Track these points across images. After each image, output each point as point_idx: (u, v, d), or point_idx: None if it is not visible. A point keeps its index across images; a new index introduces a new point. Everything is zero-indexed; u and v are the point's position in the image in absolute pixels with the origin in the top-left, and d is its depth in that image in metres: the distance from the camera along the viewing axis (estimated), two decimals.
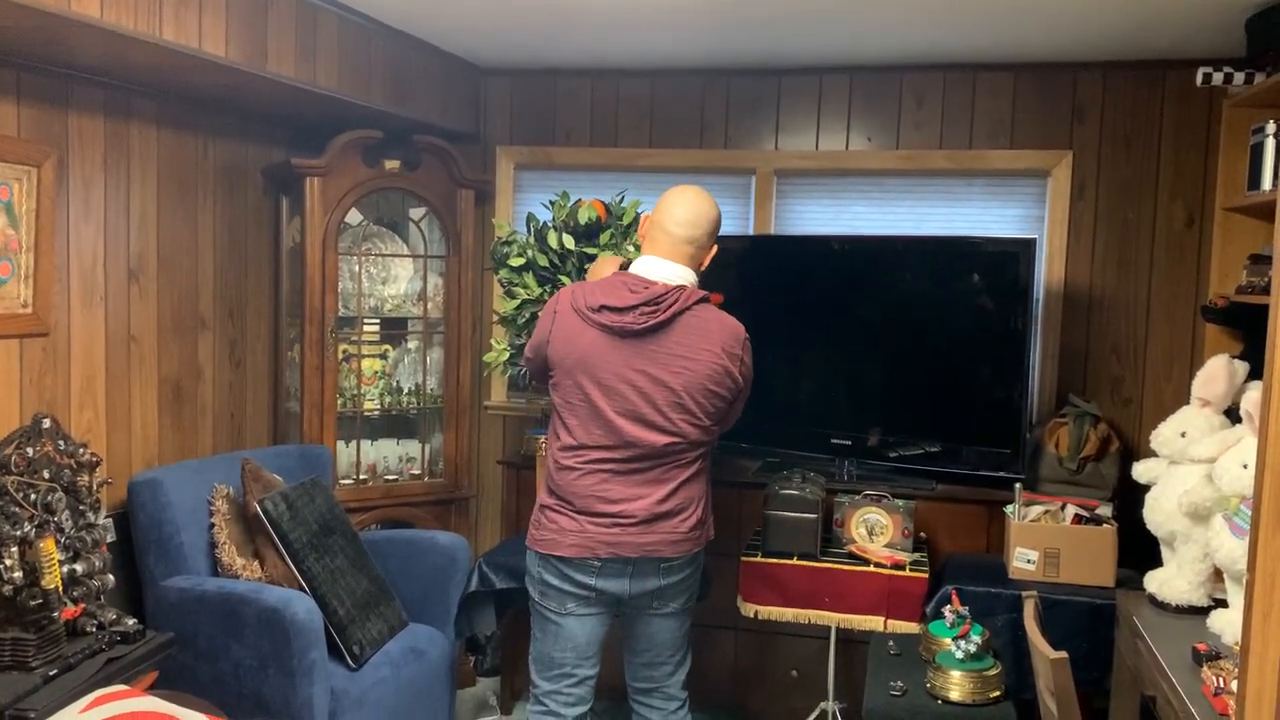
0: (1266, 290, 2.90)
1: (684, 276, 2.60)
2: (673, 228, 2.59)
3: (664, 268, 2.59)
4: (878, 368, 3.71)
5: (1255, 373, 2.79)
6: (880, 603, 3.15)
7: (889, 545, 3.30)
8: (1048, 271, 3.78)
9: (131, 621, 2.75)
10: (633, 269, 2.63)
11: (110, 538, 2.95)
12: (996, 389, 3.46)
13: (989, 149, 3.83)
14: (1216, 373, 2.70)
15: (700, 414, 2.60)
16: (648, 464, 2.59)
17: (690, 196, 2.63)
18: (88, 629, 2.69)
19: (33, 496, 2.53)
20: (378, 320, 4.04)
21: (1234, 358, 2.83)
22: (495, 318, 3.62)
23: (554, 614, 2.68)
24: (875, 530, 3.32)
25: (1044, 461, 3.49)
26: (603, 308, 2.55)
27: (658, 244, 2.61)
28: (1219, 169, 3.38)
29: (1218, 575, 2.62)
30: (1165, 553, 2.77)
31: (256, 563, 3.14)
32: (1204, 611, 2.59)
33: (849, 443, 3.69)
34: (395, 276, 4.06)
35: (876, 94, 3.92)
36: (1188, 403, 2.86)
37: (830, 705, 3.38)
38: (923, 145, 3.89)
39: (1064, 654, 1.98)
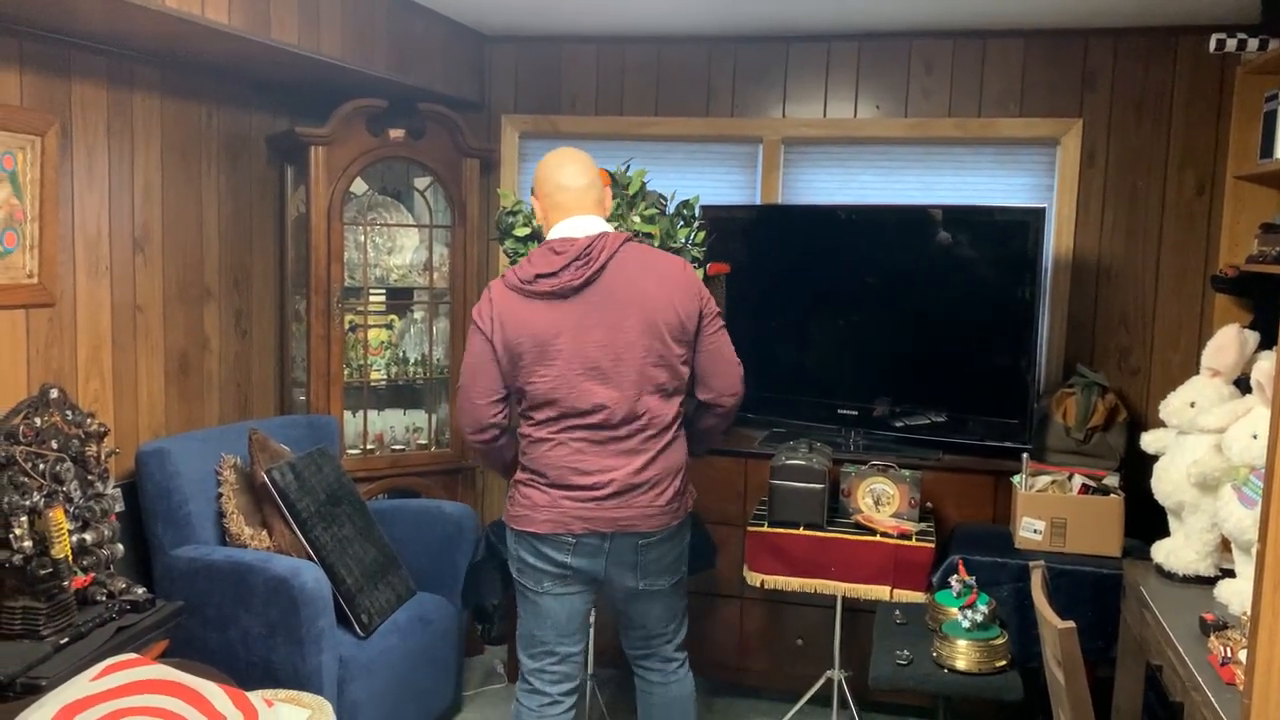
0: (1277, 260, 2.88)
1: (601, 225, 2.58)
2: (568, 182, 2.56)
3: (578, 223, 2.55)
4: (885, 338, 3.69)
5: (1266, 343, 2.78)
6: (886, 572, 3.16)
7: (895, 515, 3.30)
8: (1056, 241, 3.76)
9: (141, 590, 2.76)
10: (553, 234, 2.58)
11: (119, 507, 2.96)
12: (1004, 359, 3.45)
13: (998, 117, 3.80)
14: (1227, 343, 2.68)
15: (670, 355, 2.51)
16: (623, 431, 2.51)
17: (565, 152, 2.64)
18: (98, 598, 2.71)
19: (41, 467, 2.53)
20: (384, 290, 4.04)
21: (1244, 328, 2.81)
22: None
23: (532, 591, 2.63)
24: (882, 500, 3.32)
25: (1051, 431, 3.48)
26: (536, 276, 2.50)
27: (561, 207, 2.57)
28: (1230, 137, 3.36)
29: (1225, 545, 2.61)
30: (1173, 523, 2.77)
31: (264, 532, 3.15)
32: (1211, 582, 2.60)
33: (855, 413, 3.69)
34: (401, 246, 4.05)
35: (885, 61, 3.89)
36: (1197, 373, 2.84)
37: (836, 674, 3.40)
38: (931, 113, 3.86)
39: (1071, 624, 1.99)
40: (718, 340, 2.62)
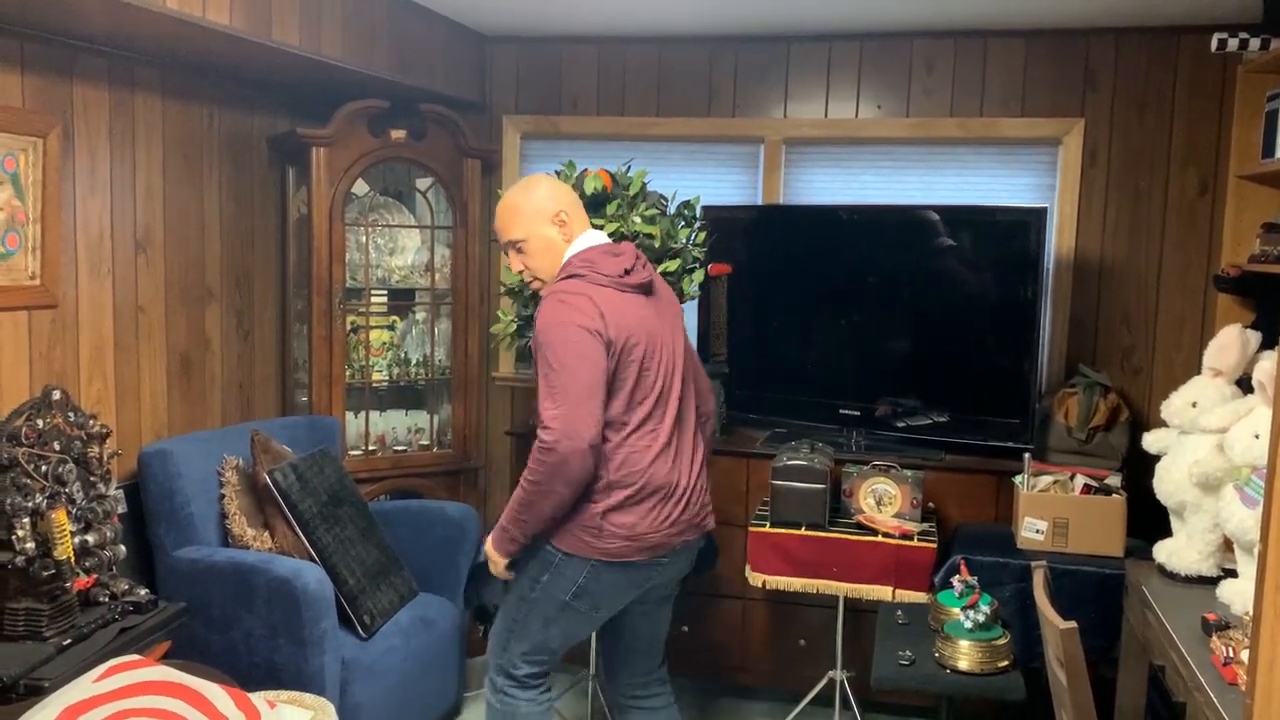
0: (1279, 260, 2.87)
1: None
2: (577, 205, 2.64)
3: (598, 234, 2.63)
4: (887, 338, 3.69)
5: (1268, 342, 2.77)
6: (888, 572, 3.16)
7: (897, 515, 3.30)
8: (1058, 240, 3.76)
9: (144, 592, 2.76)
10: (586, 244, 2.57)
11: (121, 509, 2.96)
12: (1006, 359, 3.45)
13: (1000, 116, 3.79)
14: (1229, 342, 2.68)
15: (687, 360, 2.67)
16: (685, 427, 2.58)
17: (545, 176, 2.72)
18: (100, 599, 2.71)
19: (44, 468, 2.53)
20: (385, 291, 4.04)
21: (1246, 328, 2.81)
22: (502, 289, 3.61)
23: (583, 615, 2.55)
24: (884, 500, 3.32)
25: (1053, 432, 3.48)
26: (625, 270, 2.51)
27: (584, 220, 2.63)
28: (1233, 136, 3.35)
29: (1227, 545, 2.61)
30: (1175, 523, 2.77)
31: (267, 533, 3.16)
32: (1213, 582, 2.59)
33: (857, 413, 3.69)
34: (402, 247, 4.05)
35: (887, 61, 3.89)
36: (1199, 373, 2.84)
37: (838, 674, 3.40)
38: (933, 113, 3.86)
39: (1074, 624, 1.99)
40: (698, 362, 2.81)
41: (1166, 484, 2.72)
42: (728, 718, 3.74)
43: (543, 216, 2.56)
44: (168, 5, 2.54)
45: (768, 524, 3.31)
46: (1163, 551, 2.74)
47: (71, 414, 2.66)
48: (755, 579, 3.33)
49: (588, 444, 2.32)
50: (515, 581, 2.61)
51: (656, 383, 2.48)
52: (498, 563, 2.59)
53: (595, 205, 3.20)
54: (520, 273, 2.63)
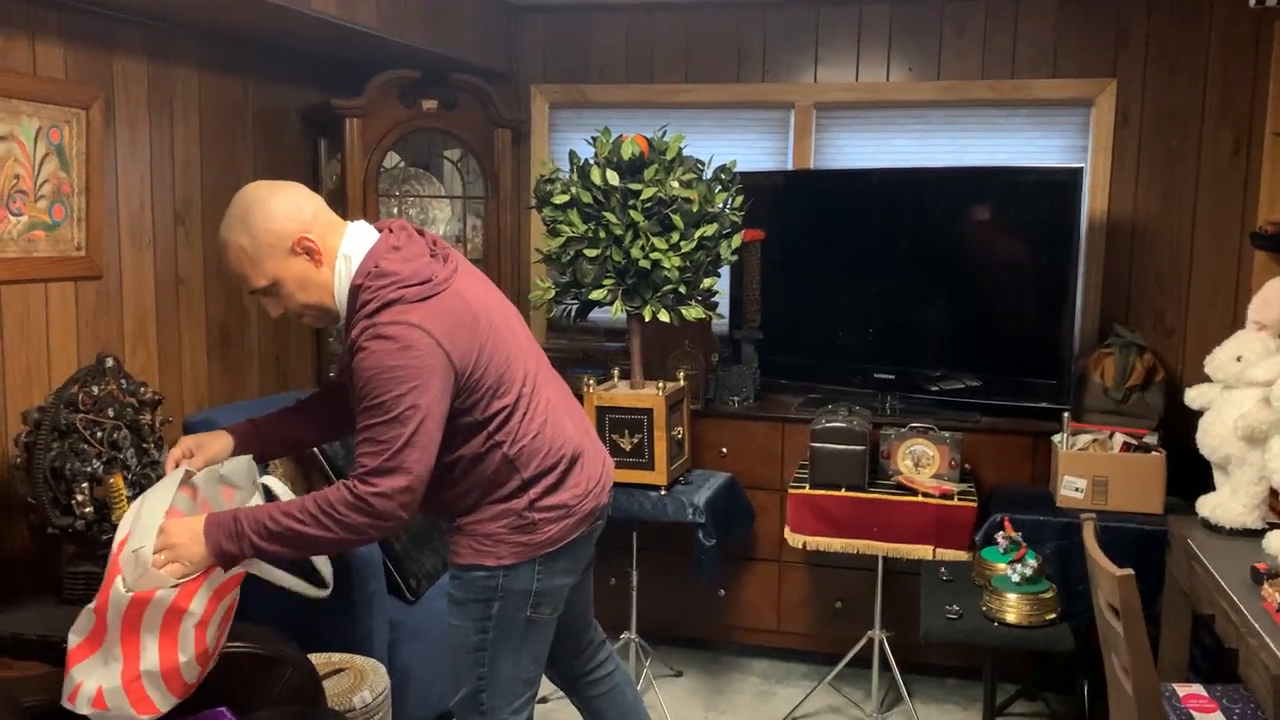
0: None
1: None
2: (320, 210, 2.09)
3: (362, 225, 2.13)
4: (920, 301, 3.70)
5: None
6: (929, 532, 3.18)
7: (935, 476, 3.32)
8: (1091, 202, 3.75)
9: None
10: (360, 252, 2.05)
11: None
12: (1041, 320, 3.46)
13: (1032, 78, 3.78)
14: (1273, 296, 2.69)
15: None
16: (550, 373, 2.28)
17: (272, 184, 2.14)
18: None
19: (99, 434, 2.57)
20: None
21: None
22: (538, 256, 3.62)
23: (546, 619, 2.22)
24: (921, 462, 3.34)
25: (1089, 391, 3.49)
26: (430, 258, 2.06)
27: (334, 223, 2.09)
28: (1269, 92, 3.34)
29: (1272, 496, 2.63)
30: (1219, 477, 2.78)
31: None
32: (1258, 534, 2.61)
33: (892, 377, 3.70)
34: (434, 219, 4.06)
35: (917, 23, 3.87)
36: (1232, 332, 2.85)
37: (877, 633, 3.42)
38: (964, 75, 3.85)
39: (1130, 570, 2.00)
40: None
41: (1211, 438, 2.73)
42: (765, 680, 3.77)
43: (280, 249, 2.01)
44: None
45: (807, 486, 3.33)
46: (1206, 505, 2.76)
47: (124, 381, 2.69)
48: (795, 540, 3.35)
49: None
50: (456, 640, 2.21)
51: (509, 350, 2.11)
52: (187, 566, 1.98)
53: (633, 170, 3.21)
54: (289, 315, 2.14)
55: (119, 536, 2.05)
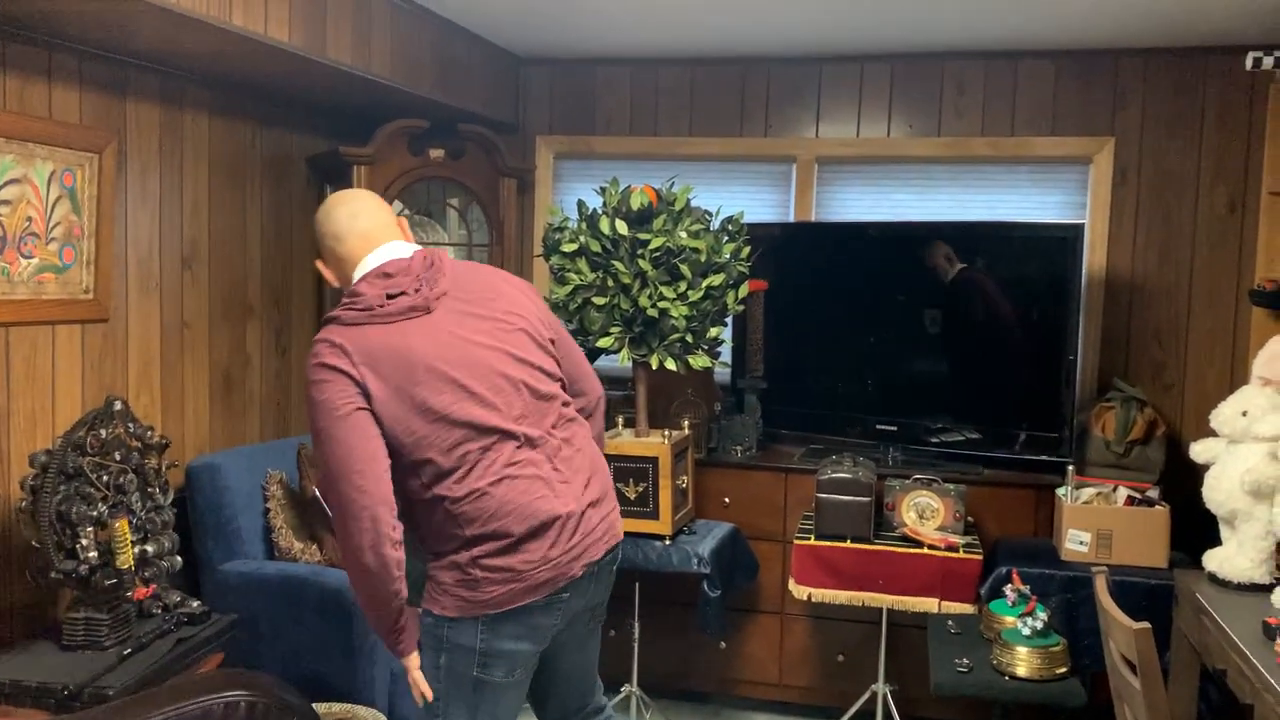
0: None
1: (417, 245, 2.19)
2: (368, 219, 2.14)
3: (394, 248, 2.13)
4: (924, 354, 3.73)
5: None
6: (935, 584, 3.17)
7: (940, 528, 3.31)
8: (1090, 257, 3.80)
9: (196, 603, 2.77)
10: (365, 269, 2.11)
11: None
12: (1043, 374, 3.48)
13: (1031, 136, 3.85)
14: (1278, 351, 2.72)
15: (550, 348, 2.20)
16: (545, 437, 2.12)
17: (346, 194, 2.23)
18: (154, 610, 2.72)
19: (105, 478, 2.55)
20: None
21: None
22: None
23: (501, 682, 2.11)
24: (926, 513, 3.34)
25: (1091, 445, 3.51)
26: (388, 296, 2.04)
27: (369, 238, 2.12)
28: (1265, 152, 3.40)
29: (1279, 552, 2.64)
30: (1225, 531, 2.78)
31: (314, 546, 3.16)
32: (1266, 589, 2.61)
33: (893, 428, 3.71)
34: None
35: (917, 81, 3.94)
36: (1232, 388, 2.88)
37: (881, 688, 3.40)
38: (964, 132, 3.91)
39: (1146, 624, 2.00)
40: (573, 342, 2.35)
41: (1217, 493, 2.74)
42: None
43: (323, 239, 2.17)
44: (234, 21, 2.58)
45: (813, 537, 3.32)
46: (1213, 560, 2.76)
47: (131, 425, 2.67)
48: (800, 592, 3.33)
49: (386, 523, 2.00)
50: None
51: (453, 407, 2.01)
52: (410, 671, 2.13)
53: (641, 220, 3.24)
54: None
55: None
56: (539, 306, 2.24)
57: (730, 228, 3.36)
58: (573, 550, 2.08)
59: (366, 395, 1.98)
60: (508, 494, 2.03)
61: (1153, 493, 3.29)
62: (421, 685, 2.11)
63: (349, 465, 1.96)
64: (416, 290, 2.06)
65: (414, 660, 2.12)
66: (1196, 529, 3.04)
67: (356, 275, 2.10)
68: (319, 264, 2.21)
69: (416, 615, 2.13)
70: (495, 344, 2.09)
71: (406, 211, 4.04)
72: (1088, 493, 3.25)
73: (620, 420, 3.51)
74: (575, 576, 2.09)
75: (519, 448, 2.07)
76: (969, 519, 3.45)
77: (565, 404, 2.21)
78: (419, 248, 2.16)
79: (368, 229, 2.14)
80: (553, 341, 2.22)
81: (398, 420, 1.99)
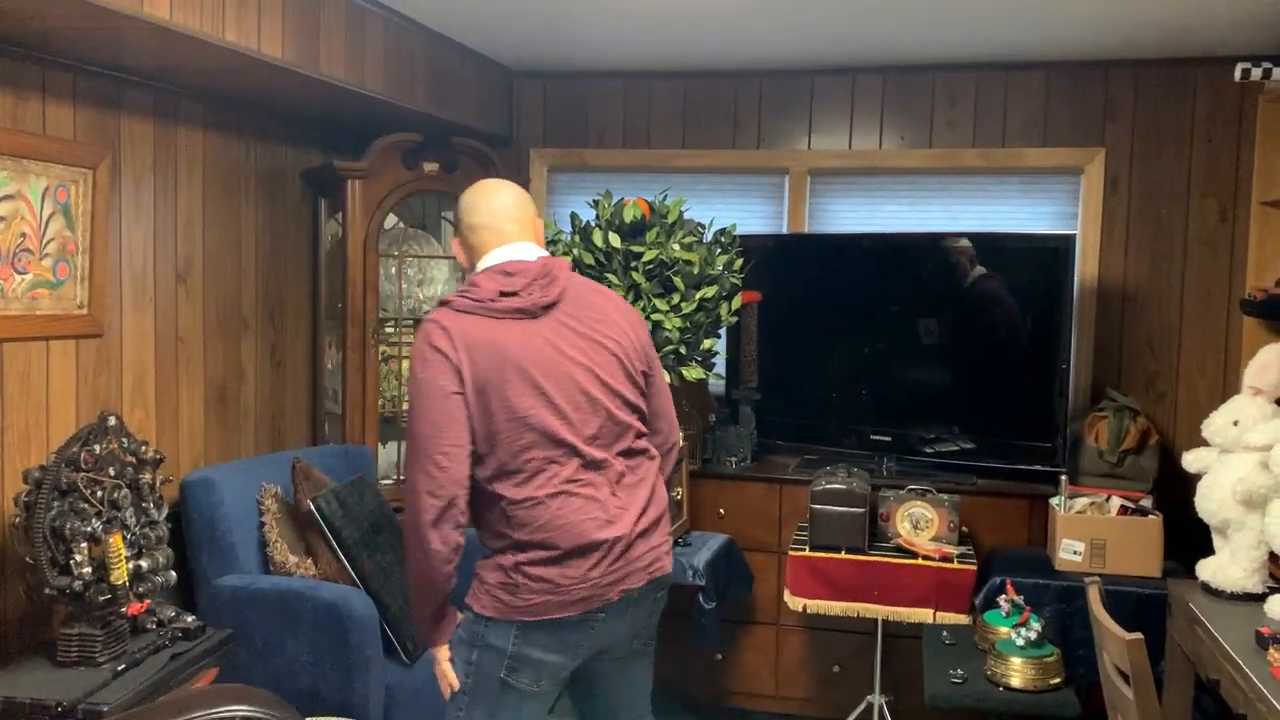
0: None
1: (544, 251, 2.29)
2: (506, 215, 2.24)
3: (521, 248, 2.23)
4: (917, 364, 3.74)
5: None
6: (929, 595, 3.18)
7: (934, 539, 3.32)
8: (1081, 268, 3.82)
9: (191, 618, 2.77)
10: (489, 263, 2.22)
11: None
12: (1036, 384, 3.50)
13: (1022, 147, 3.87)
14: (1270, 361, 2.73)
15: (639, 379, 2.25)
16: (609, 456, 2.17)
17: (493, 184, 2.31)
18: (148, 626, 2.72)
19: (99, 493, 2.55)
20: (413, 322, 4.06)
21: None
22: None
23: (525, 690, 2.15)
24: (920, 524, 3.34)
25: (1084, 455, 3.52)
26: (501, 294, 2.13)
27: (502, 234, 2.23)
28: (1255, 163, 3.42)
29: (1272, 560, 2.65)
30: (1217, 541, 2.80)
31: (310, 560, 3.16)
32: (1259, 598, 2.62)
33: (887, 439, 3.72)
34: (432, 278, 4.08)
35: (909, 93, 3.96)
36: (1224, 397, 2.89)
37: (876, 698, 3.40)
38: (956, 144, 3.93)
39: (1139, 635, 2.01)
40: (664, 387, 2.39)
41: (1209, 502, 2.75)
42: None
43: (463, 217, 2.28)
44: (227, 38, 2.59)
45: (807, 548, 3.32)
46: (1206, 569, 2.77)
47: (125, 440, 2.67)
48: (795, 603, 3.33)
49: (445, 504, 2.07)
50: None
51: (541, 420, 2.09)
52: (438, 663, 2.22)
53: (634, 232, 3.25)
54: None
55: None
56: (642, 339, 2.30)
57: (723, 240, 3.38)
58: (613, 574, 2.13)
59: (461, 380, 2.08)
60: (561, 509, 2.10)
61: (1146, 502, 3.31)
62: (450, 677, 2.19)
63: (435, 444, 2.06)
64: (528, 294, 2.15)
65: (443, 652, 2.21)
66: (1190, 538, 3.05)
67: (481, 266, 2.23)
68: (454, 241, 2.33)
69: (455, 614, 2.23)
70: (586, 362, 2.17)
71: (409, 229, 4.05)
72: (1081, 502, 3.26)
73: None
74: (611, 600, 2.14)
75: (583, 466, 2.14)
76: (963, 529, 3.46)
77: (639, 435, 2.26)
78: (545, 254, 2.26)
79: (502, 224, 2.24)
80: (645, 375, 2.29)
81: (478, 411, 2.09)
